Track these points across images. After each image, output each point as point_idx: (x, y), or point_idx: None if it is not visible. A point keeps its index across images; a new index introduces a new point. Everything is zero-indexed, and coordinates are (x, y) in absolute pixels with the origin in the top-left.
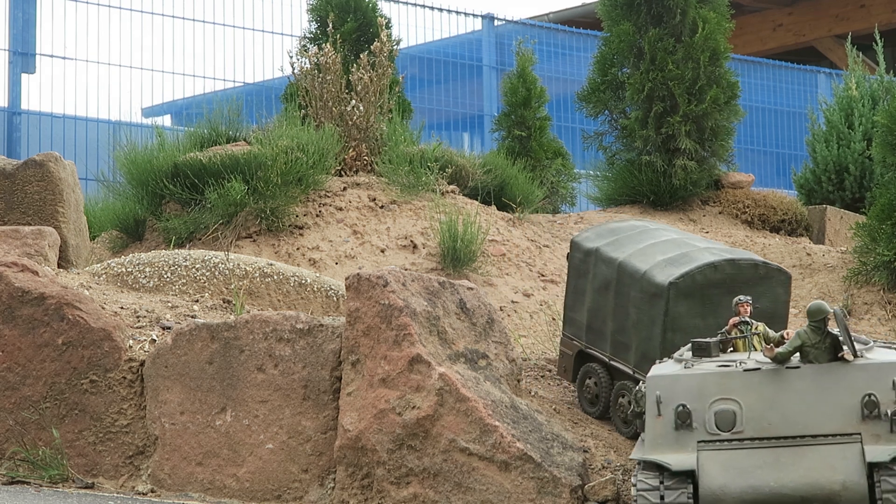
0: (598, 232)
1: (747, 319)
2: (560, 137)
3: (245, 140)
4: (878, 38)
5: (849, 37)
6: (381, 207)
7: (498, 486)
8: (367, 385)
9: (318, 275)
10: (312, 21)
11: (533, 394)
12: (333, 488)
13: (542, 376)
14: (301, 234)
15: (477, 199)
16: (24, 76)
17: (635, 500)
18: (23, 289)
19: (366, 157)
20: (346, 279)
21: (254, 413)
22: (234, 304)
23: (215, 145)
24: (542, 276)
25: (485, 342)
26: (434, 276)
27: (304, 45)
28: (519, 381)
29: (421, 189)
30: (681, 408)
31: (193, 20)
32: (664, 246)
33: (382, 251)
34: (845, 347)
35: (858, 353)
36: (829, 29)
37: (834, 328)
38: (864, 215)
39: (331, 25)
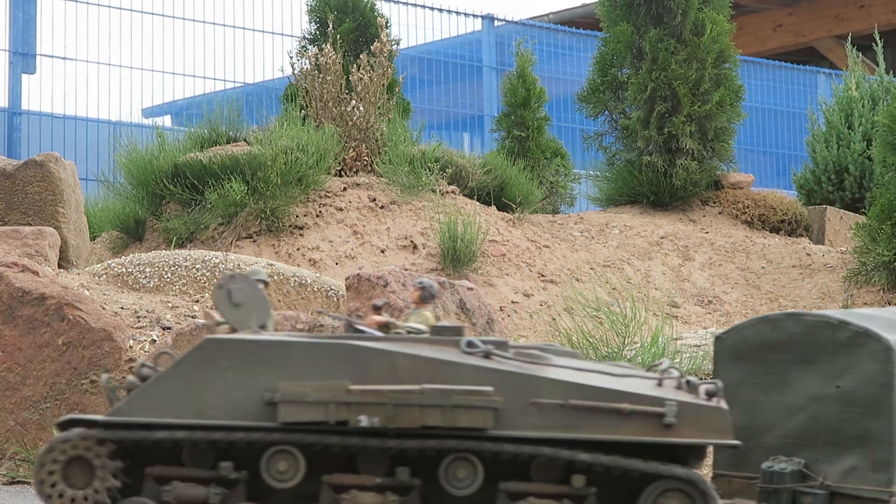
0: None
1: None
2: (560, 137)
3: (245, 140)
4: (877, 38)
5: (849, 37)
6: (381, 208)
7: None
8: None
9: (318, 275)
10: (312, 21)
11: None
12: None
13: None
14: (301, 235)
15: (477, 200)
16: (24, 76)
17: None
18: (23, 289)
19: (366, 158)
20: (346, 279)
21: None
22: None
23: (215, 146)
24: (542, 276)
25: None
26: (434, 277)
27: (304, 46)
28: None
29: (421, 189)
30: None
31: (193, 20)
32: None
33: (382, 251)
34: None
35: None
36: (829, 29)
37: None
38: (864, 215)
39: (330, 26)
